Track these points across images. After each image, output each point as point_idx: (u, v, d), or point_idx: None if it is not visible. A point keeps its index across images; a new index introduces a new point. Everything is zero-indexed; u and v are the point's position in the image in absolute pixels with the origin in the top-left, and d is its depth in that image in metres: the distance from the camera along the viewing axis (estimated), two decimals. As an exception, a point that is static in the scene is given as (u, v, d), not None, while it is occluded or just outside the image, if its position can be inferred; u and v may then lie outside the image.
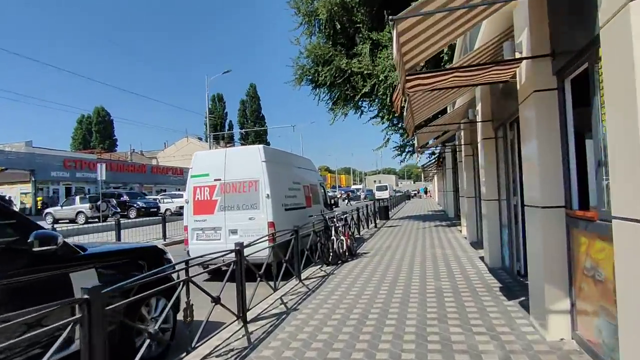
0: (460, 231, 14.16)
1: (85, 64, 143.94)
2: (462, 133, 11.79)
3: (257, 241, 6.25)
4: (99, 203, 25.77)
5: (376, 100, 16.80)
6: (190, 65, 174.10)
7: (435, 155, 22.14)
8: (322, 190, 13.58)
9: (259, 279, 6.10)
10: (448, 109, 12.56)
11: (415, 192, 76.53)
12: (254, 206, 8.95)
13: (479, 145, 8.37)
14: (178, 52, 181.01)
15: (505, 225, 7.28)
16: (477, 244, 11.08)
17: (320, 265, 9.33)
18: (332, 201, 14.29)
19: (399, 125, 16.23)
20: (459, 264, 8.56)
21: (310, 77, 18.07)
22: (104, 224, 17.43)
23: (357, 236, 14.91)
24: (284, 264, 7.26)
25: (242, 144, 72.50)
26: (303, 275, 8.27)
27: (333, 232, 9.86)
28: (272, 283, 6.70)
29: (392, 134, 17.24)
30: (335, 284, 7.43)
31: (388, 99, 14.57)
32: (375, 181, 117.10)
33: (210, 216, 9.19)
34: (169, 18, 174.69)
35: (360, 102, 17.58)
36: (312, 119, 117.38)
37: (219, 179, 9.21)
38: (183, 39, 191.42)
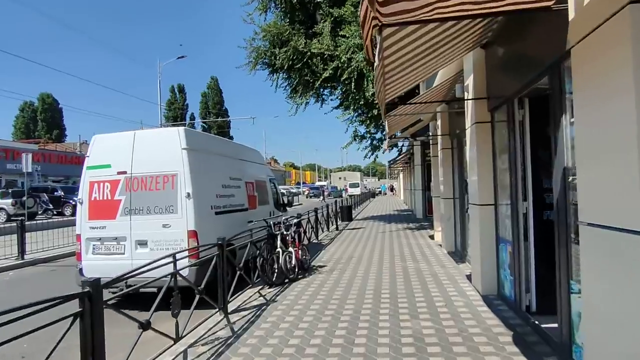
0: (433, 237, 12.31)
1: (32, 48, 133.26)
2: (439, 121, 9.88)
3: (140, 269, 3.98)
4: (24, 198, 22.44)
5: (339, 87, 14.75)
6: (150, 54, 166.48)
7: (404, 150, 20.32)
8: (274, 188, 11.39)
9: (141, 330, 3.85)
10: (421, 89, 10.66)
11: (378, 190, 74.23)
12: (170, 209, 6.66)
13: (467, 132, 6.42)
14: (136, 41, 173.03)
15: (507, 241, 5.33)
16: (456, 255, 9.20)
17: (261, 287, 7.16)
18: (286, 200, 12.10)
19: (366, 115, 14.15)
20: (439, 287, 6.58)
21: (266, 61, 15.91)
22: (9, 225, 14.52)
23: (314, 241, 12.84)
24: (197, 296, 5.04)
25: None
26: (233, 305, 6.08)
27: (279, 242, 7.70)
28: (185, 318, 4.47)
29: (358, 125, 15.18)
30: (273, 322, 5.27)
31: (353, 84, 12.51)
32: (340, 178, 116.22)
33: (111, 222, 6.82)
34: (130, 4, 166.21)
35: (321, 90, 15.49)
36: (279, 113, 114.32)
37: (124, 172, 6.85)
38: (141, 26, 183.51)
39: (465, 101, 6.28)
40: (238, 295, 6.61)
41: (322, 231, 14.89)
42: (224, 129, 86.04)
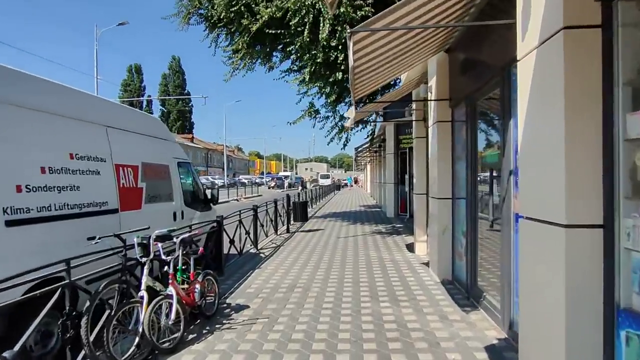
0: (412, 247, 8.98)
1: None
2: (433, 81, 6.49)
3: None
4: None
5: (294, 43, 11.13)
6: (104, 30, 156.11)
7: (376, 130, 16.90)
8: (189, 177, 7.77)
9: None
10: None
11: (344, 182, 71.51)
12: None
13: (522, 65, 3.01)
14: (90, 17, 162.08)
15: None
16: (456, 290, 5.87)
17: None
18: (209, 195, 8.44)
19: (329, 80, 10.49)
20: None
21: (202, 12, 12.29)
22: None
23: (252, 251, 9.29)
24: None
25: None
26: None
27: (145, 277, 4.09)
28: None
29: (315, 94, 11.57)
30: None
31: (307, 32, 8.90)
32: (307, 169, 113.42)
33: None
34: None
35: (267, 49, 11.82)
36: (247, 97, 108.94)
37: None
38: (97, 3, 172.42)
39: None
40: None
41: (267, 235, 11.33)
42: (185, 114, 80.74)
